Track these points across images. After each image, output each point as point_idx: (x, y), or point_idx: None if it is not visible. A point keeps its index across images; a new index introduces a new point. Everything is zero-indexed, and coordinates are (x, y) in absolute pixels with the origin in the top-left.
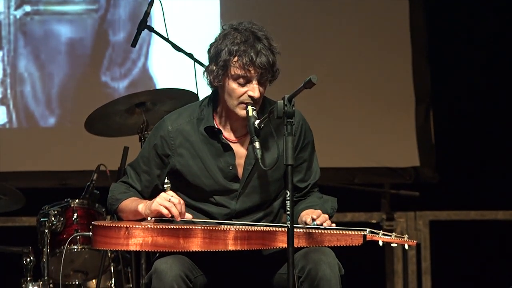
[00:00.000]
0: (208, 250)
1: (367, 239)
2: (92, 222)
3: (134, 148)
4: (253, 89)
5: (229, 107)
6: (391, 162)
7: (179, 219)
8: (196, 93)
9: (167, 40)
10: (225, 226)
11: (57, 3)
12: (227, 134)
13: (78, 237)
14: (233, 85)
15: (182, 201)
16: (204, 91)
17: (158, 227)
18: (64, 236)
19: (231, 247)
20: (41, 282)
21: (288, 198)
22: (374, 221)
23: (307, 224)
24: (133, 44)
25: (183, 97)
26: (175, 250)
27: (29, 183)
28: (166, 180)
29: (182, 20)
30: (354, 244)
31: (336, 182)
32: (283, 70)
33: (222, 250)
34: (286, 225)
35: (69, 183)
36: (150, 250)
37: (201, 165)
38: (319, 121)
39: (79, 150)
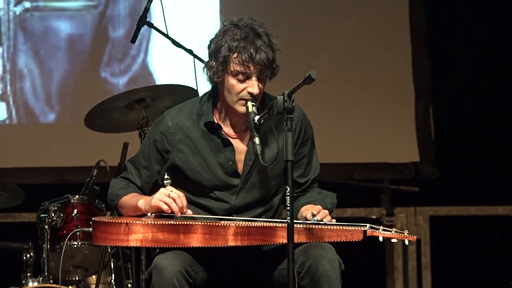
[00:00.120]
0: (208, 246)
1: (367, 234)
2: (92, 218)
3: (134, 144)
4: (253, 86)
5: (229, 103)
6: (391, 158)
7: (179, 214)
8: (195, 89)
9: (166, 36)
10: (225, 222)
11: None
12: (227, 129)
13: (78, 233)
14: (232, 81)
15: (182, 194)
16: (203, 87)
17: (158, 223)
18: (64, 232)
19: (231, 243)
20: (41, 278)
21: (288, 194)
22: (374, 217)
23: (307, 220)
24: (133, 40)
25: (183, 93)
26: (175, 246)
27: (29, 179)
28: (166, 176)
29: (181, 15)
30: (354, 240)
31: (336, 178)
32: (283, 66)
33: (222, 246)
34: (286, 220)
35: (69, 179)
36: (150, 246)
37: (201, 161)
38: (319, 116)
39: (79, 146)
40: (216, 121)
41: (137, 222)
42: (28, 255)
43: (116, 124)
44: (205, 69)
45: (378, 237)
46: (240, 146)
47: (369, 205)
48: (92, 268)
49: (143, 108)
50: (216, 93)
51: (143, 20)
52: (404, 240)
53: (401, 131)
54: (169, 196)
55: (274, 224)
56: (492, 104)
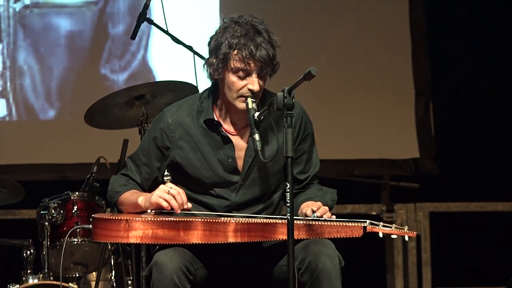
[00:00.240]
0: (208, 243)
1: (367, 230)
2: (92, 215)
3: (134, 140)
4: (253, 83)
5: (229, 99)
6: (391, 154)
7: (179, 211)
8: (195, 85)
9: (166, 32)
10: (225, 218)
11: None
12: (227, 126)
13: (78, 229)
14: (232, 78)
15: (182, 191)
16: (203, 83)
17: (158, 219)
18: (64, 228)
19: (231, 239)
20: (41, 275)
21: (288, 190)
22: (374, 213)
23: (307, 216)
24: (133, 37)
25: (183, 89)
26: (175, 243)
27: (29, 176)
28: (166, 173)
29: (181, 12)
30: (354, 236)
31: (336, 174)
32: (283, 62)
33: (222, 242)
34: (286, 217)
35: (69, 175)
36: (150, 243)
37: (201, 158)
38: (319, 113)
39: (78, 143)
40: (216, 118)
41: (137, 218)
42: (28, 252)
43: (116, 120)
44: (205, 65)
45: (378, 233)
46: (240, 143)
47: (369, 202)
48: (92, 265)
49: (143, 104)
50: (216, 90)
51: (143, 17)
52: (404, 236)
53: (401, 128)
54: (169, 193)
55: (274, 221)
56: (492, 101)
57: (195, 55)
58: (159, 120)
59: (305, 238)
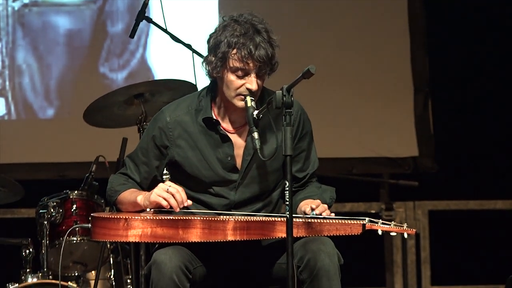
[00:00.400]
0: (208, 241)
1: (366, 228)
2: (91, 214)
3: (133, 139)
4: (251, 82)
5: (227, 98)
6: (390, 152)
7: (177, 210)
8: (194, 83)
9: (165, 31)
10: (224, 216)
11: None
12: (226, 125)
13: (77, 228)
14: (231, 77)
15: (181, 189)
16: (202, 81)
17: (157, 218)
18: (63, 227)
19: (230, 238)
20: (40, 274)
21: (287, 188)
22: (373, 211)
23: (306, 214)
24: (132, 35)
25: (182, 88)
26: (174, 241)
27: (28, 175)
28: (165, 171)
29: (180, 10)
30: (353, 233)
31: (335, 173)
32: (282, 60)
33: (222, 240)
34: (285, 215)
35: (68, 174)
36: (149, 241)
37: (199, 156)
38: (318, 111)
39: (77, 142)
40: (214, 117)
41: (136, 217)
42: (27, 251)
43: (115, 119)
44: (204, 63)
45: (377, 230)
46: (238, 141)
47: (368, 200)
48: (91, 264)
49: (142, 103)
50: (215, 88)
51: (142, 15)
52: (403, 234)
53: (400, 126)
54: (168, 191)
55: (273, 219)
56: (491, 98)
57: (194, 54)
58: (158, 119)
59: (304, 236)
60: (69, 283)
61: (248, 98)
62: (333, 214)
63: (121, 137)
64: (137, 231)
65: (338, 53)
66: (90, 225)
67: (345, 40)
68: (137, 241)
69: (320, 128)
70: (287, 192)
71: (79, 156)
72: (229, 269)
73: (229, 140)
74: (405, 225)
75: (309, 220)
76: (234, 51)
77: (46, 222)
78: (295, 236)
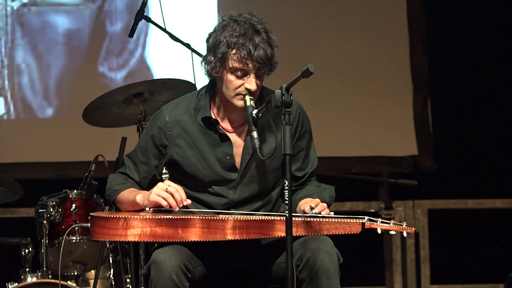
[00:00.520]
0: (207, 240)
1: (366, 227)
2: (91, 213)
3: (132, 138)
4: (250, 82)
5: (226, 97)
6: (389, 151)
7: (177, 209)
8: (193, 83)
9: (164, 30)
10: (224, 215)
11: None
12: (225, 124)
13: (77, 228)
14: (230, 77)
15: (180, 188)
16: (201, 81)
17: (157, 217)
18: (63, 227)
19: (229, 237)
20: (39, 273)
21: (287, 187)
22: (372, 210)
23: (305, 213)
24: (131, 35)
25: (181, 87)
26: (173, 241)
27: (27, 174)
28: (164, 170)
29: (179, 9)
30: (352, 232)
31: (334, 172)
32: (281, 59)
33: (221, 239)
34: (284, 214)
35: (67, 174)
36: (148, 241)
37: (199, 156)
38: (317, 110)
39: (77, 141)
40: (213, 116)
41: (135, 216)
42: (26, 251)
43: (114, 118)
44: (203, 63)
45: (376, 229)
46: (237, 141)
47: (367, 199)
48: (91, 263)
49: (141, 102)
50: (214, 87)
51: (141, 15)
52: (403, 232)
53: (399, 125)
54: (167, 191)
55: (272, 218)
56: (491, 97)
57: (193, 53)
58: (157, 118)
59: (303, 235)
60: (69, 282)
61: (247, 97)
62: (332, 213)
63: (120, 136)
64: (136, 230)
65: (337, 52)
66: (89, 224)
67: (345, 39)
68: (136, 240)
69: (319, 127)
70: (287, 191)
71: (78, 156)
72: (229, 268)
73: (228, 139)
74: (404, 224)
75: (309, 219)
76: (233, 51)
77: (45, 222)
78: (295, 235)
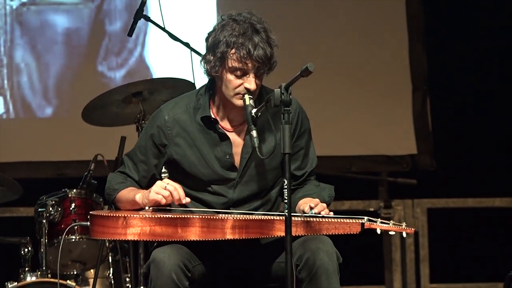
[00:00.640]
0: (206, 239)
1: (365, 227)
2: (90, 212)
3: (131, 137)
4: (250, 82)
5: (226, 97)
6: (388, 150)
7: (179, 202)
8: (192, 82)
9: (163, 29)
10: (223, 215)
11: None
12: (224, 123)
13: (76, 227)
14: (229, 76)
15: (179, 186)
16: (200, 80)
17: (156, 216)
18: (62, 226)
19: (229, 236)
20: (39, 273)
21: (286, 187)
22: (372, 209)
23: (305, 213)
24: (130, 34)
25: (180, 86)
26: (173, 240)
27: (27, 174)
28: (163, 169)
29: (178, 9)
30: (352, 232)
31: (334, 171)
32: (280, 58)
33: (220, 239)
34: (284, 213)
35: (67, 173)
36: (148, 240)
37: (198, 155)
38: (316, 109)
39: (76, 140)
40: (212, 116)
41: (135, 215)
42: (26, 250)
43: (114, 117)
44: (202, 62)
45: (376, 229)
46: (237, 140)
47: (366, 198)
48: (90, 262)
49: (140, 101)
50: (213, 86)
51: (140, 14)
52: (402, 233)
53: (398, 123)
54: (166, 189)
55: (272, 217)
56: (490, 96)
57: (192, 52)
58: (156, 117)
59: (303, 234)
60: (68, 281)
61: (247, 97)
62: (331, 213)
63: (120, 135)
64: (136, 229)
65: (337, 52)
66: (88, 223)
67: (344, 38)
68: (136, 239)
69: (318, 126)
70: (286, 190)
71: (78, 155)
72: (228, 267)
73: (228, 138)
74: (404, 224)
75: (308, 219)
76: (233, 51)
77: (44, 221)
78: (294, 234)
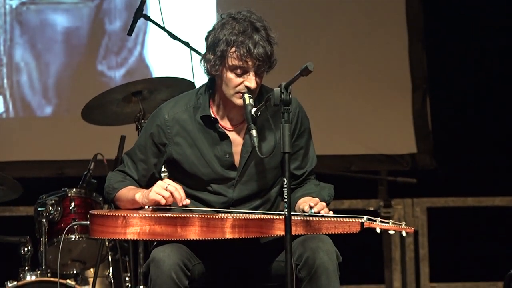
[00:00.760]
0: (206, 239)
1: (365, 226)
2: (90, 211)
3: (131, 137)
4: (250, 80)
5: (226, 95)
6: (388, 149)
7: (180, 204)
8: (192, 81)
9: (163, 28)
10: (223, 214)
11: None
12: (224, 122)
13: (76, 226)
14: (230, 75)
15: (179, 187)
16: (200, 79)
17: (156, 215)
18: (62, 225)
19: (228, 235)
20: (39, 272)
21: (286, 186)
22: (371, 208)
23: (304, 212)
24: (129, 33)
25: (180, 85)
26: (173, 239)
27: (26, 173)
28: (163, 169)
29: (178, 8)
30: (351, 232)
31: (333, 170)
32: (280, 57)
33: (220, 238)
34: (283, 213)
35: (66, 172)
36: (147, 239)
37: (198, 154)
38: (316, 108)
39: (76, 139)
40: (212, 115)
41: (135, 215)
42: (25, 249)
43: (113, 117)
44: (202, 61)
45: (375, 228)
46: (236, 139)
47: (366, 197)
48: (90, 262)
49: (140, 100)
50: (213, 85)
51: (140, 13)
52: (402, 232)
53: (398, 123)
54: (167, 189)
55: (271, 216)
56: (489, 95)
57: (191, 51)
58: (156, 116)
59: (302, 234)
60: (68, 280)
61: (246, 96)
62: (331, 212)
63: (119, 134)
64: (135, 228)
65: (336, 50)
66: (88, 222)
67: (343, 37)
68: (135, 238)
69: (318, 126)
70: (286, 189)
71: (77, 154)
72: (228, 266)
73: (227, 137)
74: (403, 224)
75: (308, 218)
76: (233, 49)
77: (44, 220)
78: (294, 234)
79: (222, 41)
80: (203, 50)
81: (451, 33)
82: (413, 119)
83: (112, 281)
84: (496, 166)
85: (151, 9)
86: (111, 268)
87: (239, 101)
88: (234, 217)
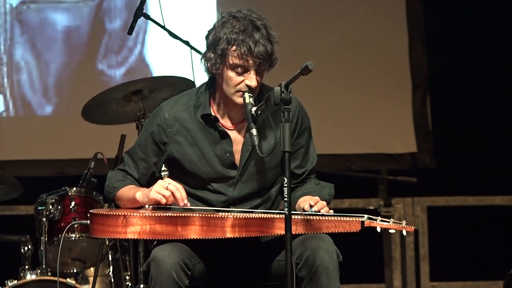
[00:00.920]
0: (206, 238)
1: (365, 225)
2: (90, 210)
3: (131, 136)
4: (251, 79)
5: (226, 94)
6: (388, 148)
7: (181, 204)
8: (192, 80)
9: (163, 27)
10: (223, 213)
11: None
12: (224, 121)
13: (76, 225)
14: (230, 73)
15: (180, 186)
16: (201, 78)
17: (156, 215)
18: (62, 224)
19: (229, 235)
20: (39, 271)
21: (286, 185)
22: (371, 207)
23: (304, 211)
24: (130, 32)
25: (180, 84)
26: (173, 238)
27: (27, 172)
28: (163, 168)
29: (178, 7)
30: (352, 231)
31: (334, 169)
32: (280, 56)
33: (220, 237)
34: (284, 212)
35: (67, 171)
36: (148, 238)
37: (198, 153)
38: (316, 107)
39: (76, 138)
40: (213, 113)
41: (135, 214)
42: (26, 248)
43: (113, 116)
44: (203, 60)
45: (376, 227)
46: (237, 138)
47: (366, 196)
48: (90, 261)
49: (140, 99)
50: (214, 84)
51: (140, 12)
52: (402, 231)
53: (398, 122)
54: (167, 189)
55: (272, 216)
56: (489, 93)
57: (192, 50)
58: (156, 115)
59: (303, 233)
60: (68, 280)
61: (246, 95)
62: (331, 211)
63: (120, 133)
64: (136, 228)
65: (336, 49)
66: (88, 221)
67: (343, 36)
68: (136, 238)
69: (318, 125)
70: (286, 188)
71: (78, 153)
72: (228, 265)
73: (228, 136)
74: (404, 223)
75: (308, 217)
76: (234, 48)
77: (44, 219)
78: (294, 233)
79: (222, 39)
80: (203, 49)
81: (451, 33)
82: (414, 118)
83: (112, 280)
84: (496, 165)
85: (151, 8)
86: (111, 267)
87: (239, 100)
88: (234, 216)
